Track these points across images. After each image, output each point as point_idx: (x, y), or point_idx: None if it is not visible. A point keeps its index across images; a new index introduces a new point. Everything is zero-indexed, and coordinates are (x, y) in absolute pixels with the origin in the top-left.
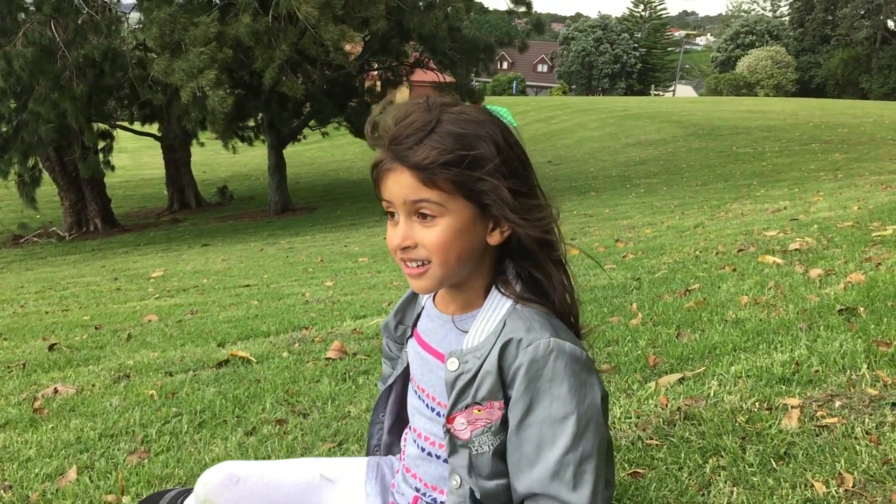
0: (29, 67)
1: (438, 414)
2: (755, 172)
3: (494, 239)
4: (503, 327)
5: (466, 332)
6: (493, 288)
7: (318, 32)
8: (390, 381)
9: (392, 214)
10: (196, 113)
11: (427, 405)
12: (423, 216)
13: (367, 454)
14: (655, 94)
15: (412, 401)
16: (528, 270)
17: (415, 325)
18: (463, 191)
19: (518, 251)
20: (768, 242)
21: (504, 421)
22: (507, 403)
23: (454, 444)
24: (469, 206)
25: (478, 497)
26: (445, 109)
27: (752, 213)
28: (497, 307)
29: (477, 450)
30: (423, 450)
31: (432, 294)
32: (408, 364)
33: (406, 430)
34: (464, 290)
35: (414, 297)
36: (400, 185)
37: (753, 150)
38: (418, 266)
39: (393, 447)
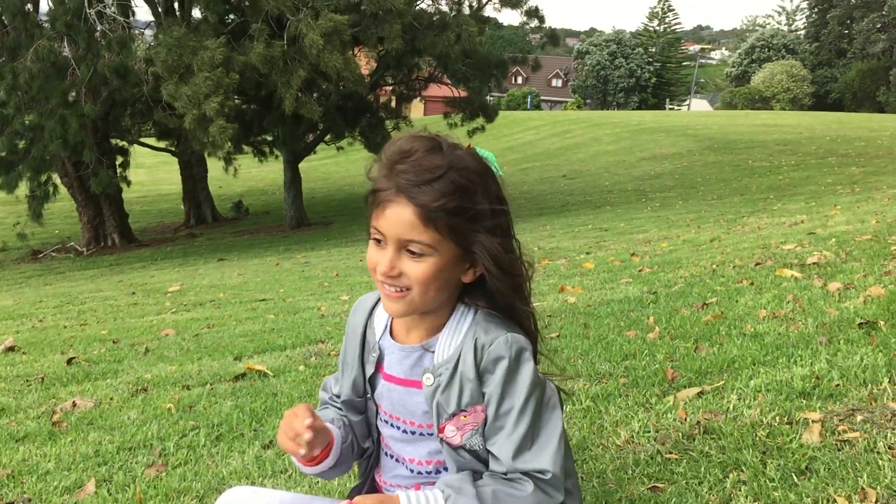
0: (36, 83)
1: (413, 433)
2: (771, 186)
3: (468, 277)
4: (468, 336)
5: (433, 352)
6: (458, 303)
7: (322, 60)
8: (367, 444)
9: (379, 241)
10: (201, 138)
11: (401, 429)
12: (413, 252)
13: None
14: (670, 109)
15: (387, 431)
16: (493, 300)
17: (377, 367)
18: (455, 235)
19: (485, 288)
20: (786, 256)
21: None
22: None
23: (450, 450)
24: (455, 249)
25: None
26: (454, 155)
27: (769, 227)
28: (461, 320)
29: (470, 449)
30: (412, 471)
31: (384, 327)
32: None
33: (378, 471)
34: (428, 318)
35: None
36: (399, 222)
37: (769, 164)
38: (398, 291)
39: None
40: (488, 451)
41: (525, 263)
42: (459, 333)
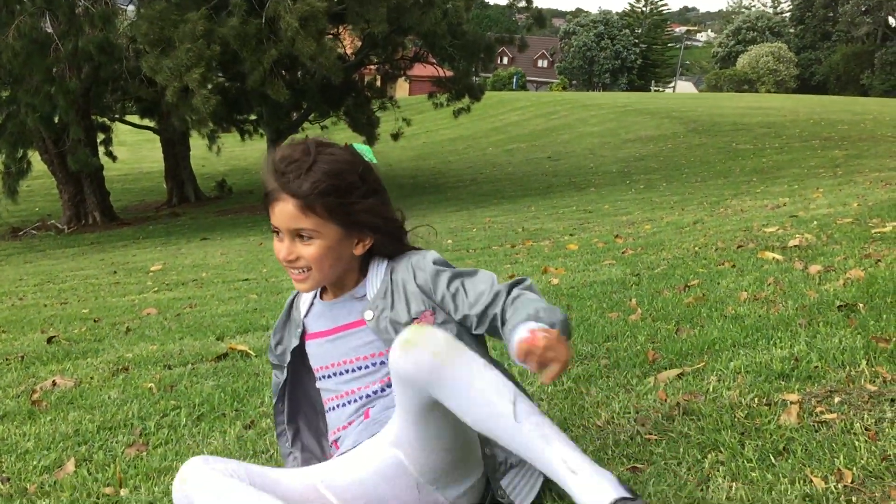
0: (19, 59)
1: (374, 364)
2: (755, 169)
3: (358, 251)
4: (392, 271)
5: (363, 295)
6: (371, 261)
7: (297, 45)
8: (278, 389)
9: (277, 233)
10: (183, 111)
11: (355, 369)
12: (302, 237)
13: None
14: (656, 90)
15: (332, 384)
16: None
17: (303, 335)
18: (334, 216)
19: (382, 252)
20: (768, 239)
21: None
22: (434, 307)
23: None
24: (337, 230)
25: None
26: (321, 151)
27: (752, 210)
28: (378, 267)
29: None
30: (360, 398)
31: (311, 303)
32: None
33: (332, 436)
34: (345, 283)
35: (287, 319)
36: (284, 215)
37: (753, 147)
38: (301, 273)
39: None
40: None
41: (398, 212)
42: (380, 274)
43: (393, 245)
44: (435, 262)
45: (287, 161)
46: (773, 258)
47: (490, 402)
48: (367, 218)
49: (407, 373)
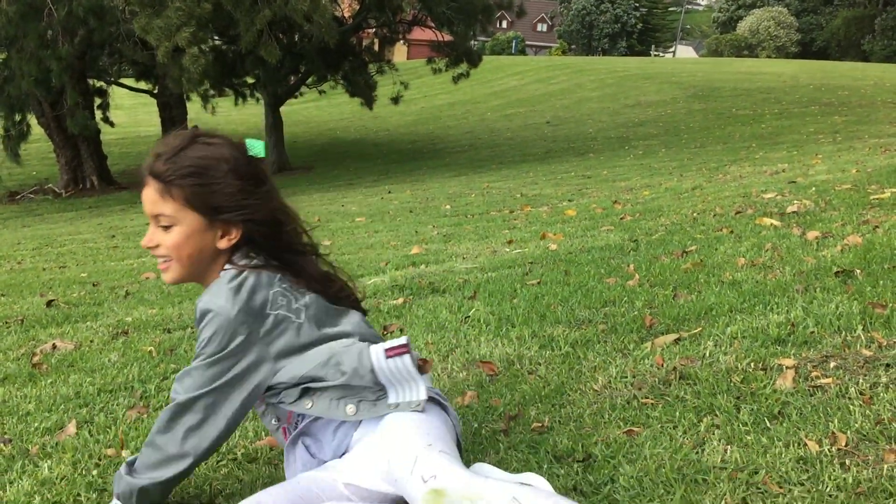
0: (13, 25)
1: None
2: (754, 135)
3: (223, 244)
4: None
5: None
6: (233, 266)
7: (290, 4)
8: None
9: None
10: (175, 72)
11: None
12: (164, 226)
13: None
14: (655, 55)
15: None
16: (268, 253)
17: None
18: (193, 202)
19: (255, 246)
20: (766, 205)
21: None
22: None
23: None
24: (198, 218)
25: None
26: (199, 140)
27: (751, 176)
28: (215, 282)
29: None
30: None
31: None
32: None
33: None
34: (207, 280)
35: None
36: (147, 200)
37: (753, 113)
38: (163, 262)
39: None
40: None
41: (285, 206)
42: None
43: (267, 243)
44: (197, 318)
45: (163, 146)
46: (771, 224)
47: None
48: (227, 203)
49: None
